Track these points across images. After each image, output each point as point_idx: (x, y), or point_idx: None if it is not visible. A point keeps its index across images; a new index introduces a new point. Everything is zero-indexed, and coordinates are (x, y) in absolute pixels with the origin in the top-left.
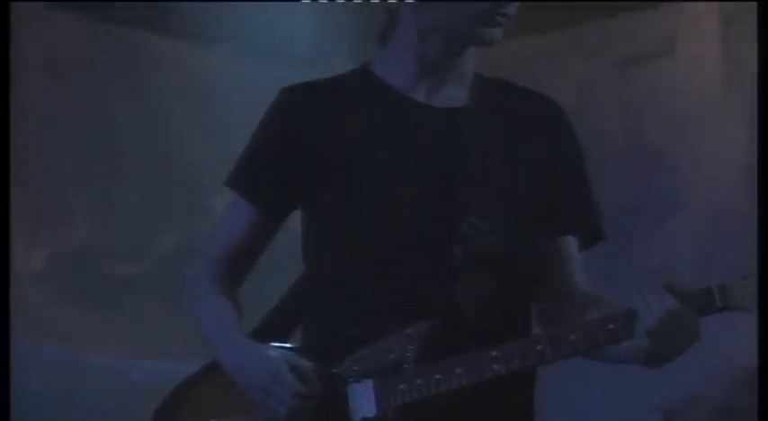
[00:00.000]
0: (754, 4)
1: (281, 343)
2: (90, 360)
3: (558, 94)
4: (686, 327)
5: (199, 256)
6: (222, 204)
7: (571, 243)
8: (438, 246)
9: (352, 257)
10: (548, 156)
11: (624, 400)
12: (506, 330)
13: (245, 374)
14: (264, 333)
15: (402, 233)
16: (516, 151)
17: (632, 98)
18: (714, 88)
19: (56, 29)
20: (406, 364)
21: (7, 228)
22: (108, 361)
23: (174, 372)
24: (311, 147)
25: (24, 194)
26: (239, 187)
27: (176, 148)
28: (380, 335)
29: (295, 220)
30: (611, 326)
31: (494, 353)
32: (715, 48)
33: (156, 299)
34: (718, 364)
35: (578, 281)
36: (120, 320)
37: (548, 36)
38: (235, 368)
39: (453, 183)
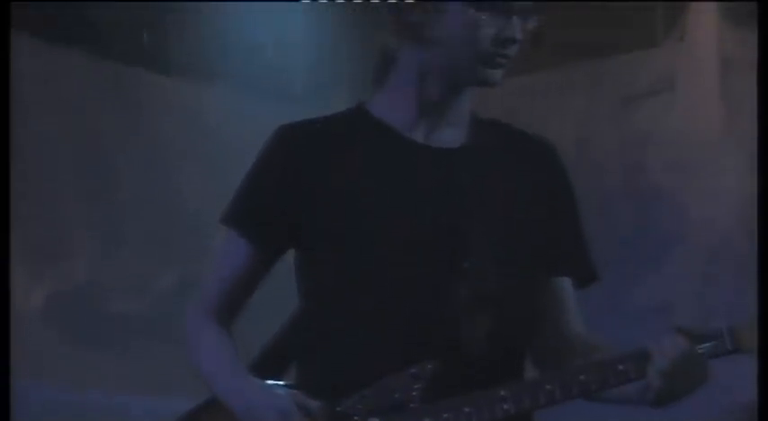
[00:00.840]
0: (754, 45)
1: (275, 380)
2: (89, 396)
3: (558, 131)
4: (697, 369)
5: (197, 293)
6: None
7: (565, 284)
8: (440, 285)
9: (351, 295)
10: (542, 197)
11: None
12: (505, 370)
13: (253, 414)
14: (259, 369)
15: (402, 272)
16: (512, 192)
17: (632, 135)
18: (713, 126)
19: (56, 65)
20: (413, 403)
21: (7, 266)
22: (107, 397)
23: (173, 409)
24: (308, 184)
25: (24, 233)
26: (235, 224)
27: (175, 186)
28: (380, 374)
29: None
30: (620, 366)
31: (502, 393)
32: (714, 85)
33: (155, 336)
34: (719, 400)
35: (573, 321)
36: (119, 357)
37: (548, 73)
38: (241, 407)
39: (453, 223)
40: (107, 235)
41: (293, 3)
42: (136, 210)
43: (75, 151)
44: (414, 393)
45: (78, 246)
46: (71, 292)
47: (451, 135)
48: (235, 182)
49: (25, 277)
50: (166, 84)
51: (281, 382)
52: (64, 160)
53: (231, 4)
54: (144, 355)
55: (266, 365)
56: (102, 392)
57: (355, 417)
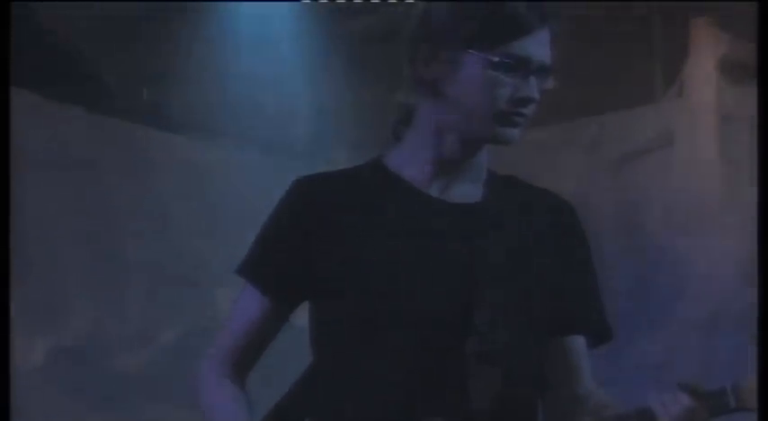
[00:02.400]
0: (753, 101)
1: None
2: None
3: (557, 188)
4: None
5: (201, 349)
6: (224, 297)
7: (579, 342)
8: (451, 341)
9: (363, 349)
10: (558, 255)
11: None
12: None
13: None
14: None
15: (414, 327)
16: (528, 249)
17: (631, 191)
18: (712, 181)
19: (58, 122)
20: None
21: (8, 322)
22: None
23: None
24: (324, 237)
25: (25, 288)
26: (250, 276)
27: (176, 242)
28: None
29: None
30: None
31: None
32: (713, 142)
33: (155, 393)
34: None
35: (585, 379)
36: (119, 413)
37: (547, 130)
38: None
39: (467, 279)
40: (107, 290)
41: (296, 61)
42: (137, 266)
43: (77, 207)
44: None
45: (79, 303)
46: (71, 348)
47: (468, 191)
48: (236, 237)
49: (25, 333)
50: (168, 140)
51: None
52: (65, 215)
53: (234, 60)
54: (145, 411)
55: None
56: None
57: None
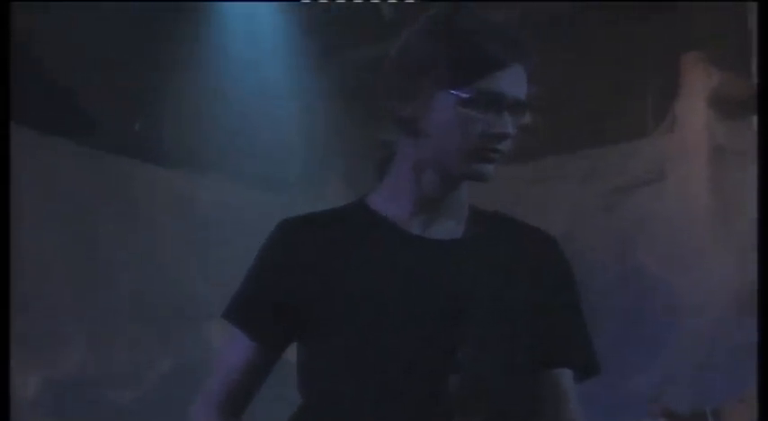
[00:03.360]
0: (744, 134)
1: None
2: None
3: (550, 220)
4: None
5: (194, 382)
6: (216, 329)
7: (565, 375)
8: (434, 377)
9: (349, 389)
10: (542, 289)
11: None
12: None
13: None
14: None
15: (399, 364)
16: (511, 283)
17: (623, 224)
18: (704, 214)
19: (52, 157)
20: None
21: (7, 354)
22: None
23: None
24: (309, 280)
25: (18, 322)
26: (237, 321)
27: (169, 275)
28: None
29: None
30: None
31: None
32: (704, 174)
33: None
34: None
35: (573, 413)
36: None
37: (540, 163)
38: None
39: (449, 314)
40: (101, 323)
41: (288, 96)
42: (130, 299)
43: (72, 240)
44: None
45: (75, 335)
46: (67, 381)
47: (449, 227)
48: (228, 270)
49: (19, 365)
50: (161, 174)
51: None
52: (60, 249)
53: (229, 95)
54: None
55: None
56: None
57: None
